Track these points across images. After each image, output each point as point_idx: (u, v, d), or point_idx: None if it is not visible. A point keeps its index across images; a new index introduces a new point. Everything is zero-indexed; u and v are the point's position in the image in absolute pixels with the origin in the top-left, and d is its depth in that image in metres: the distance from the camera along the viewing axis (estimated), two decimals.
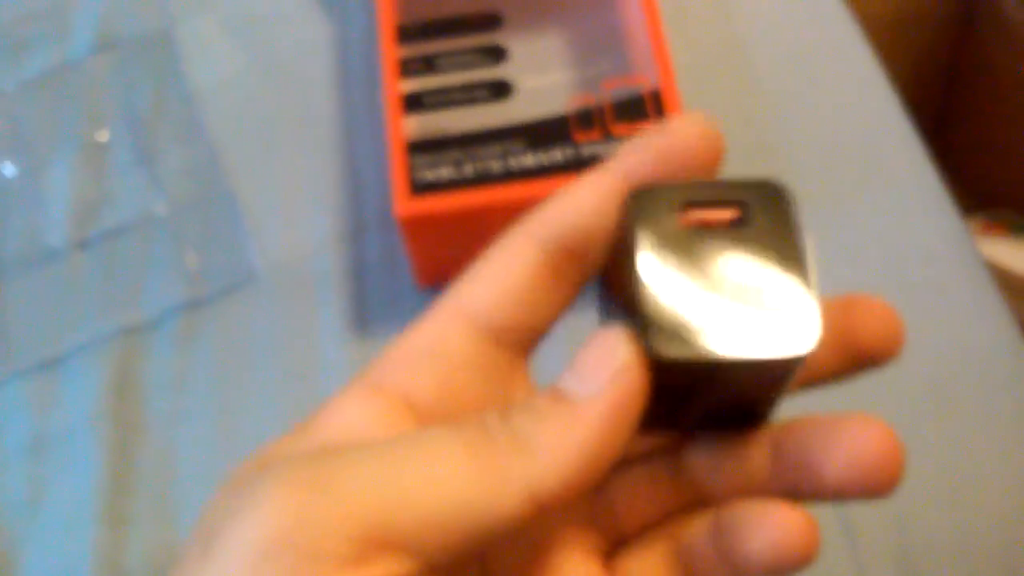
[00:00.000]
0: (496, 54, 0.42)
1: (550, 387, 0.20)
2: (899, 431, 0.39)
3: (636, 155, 0.22)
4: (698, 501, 0.24)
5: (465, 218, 0.39)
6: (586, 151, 0.39)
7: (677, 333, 0.20)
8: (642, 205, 0.21)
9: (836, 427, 0.22)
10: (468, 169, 0.39)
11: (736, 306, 0.20)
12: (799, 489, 0.22)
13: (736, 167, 0.46)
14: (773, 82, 0.46)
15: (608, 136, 0.40)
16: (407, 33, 0.43)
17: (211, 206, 0.45)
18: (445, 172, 0.39)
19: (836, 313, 0.23)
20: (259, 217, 0.45)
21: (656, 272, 0.21)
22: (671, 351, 0.20)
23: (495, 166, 0.39)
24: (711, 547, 0.22)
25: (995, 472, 0.38)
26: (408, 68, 0.42)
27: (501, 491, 0.19)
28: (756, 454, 0.23)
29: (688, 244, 0.21)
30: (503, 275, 0.23)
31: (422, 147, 0.40)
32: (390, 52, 0.42)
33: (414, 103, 0.41)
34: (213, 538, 0.18)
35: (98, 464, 0.40)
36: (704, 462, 0.24)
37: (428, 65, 0.42)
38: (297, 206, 0.45)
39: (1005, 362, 0.40)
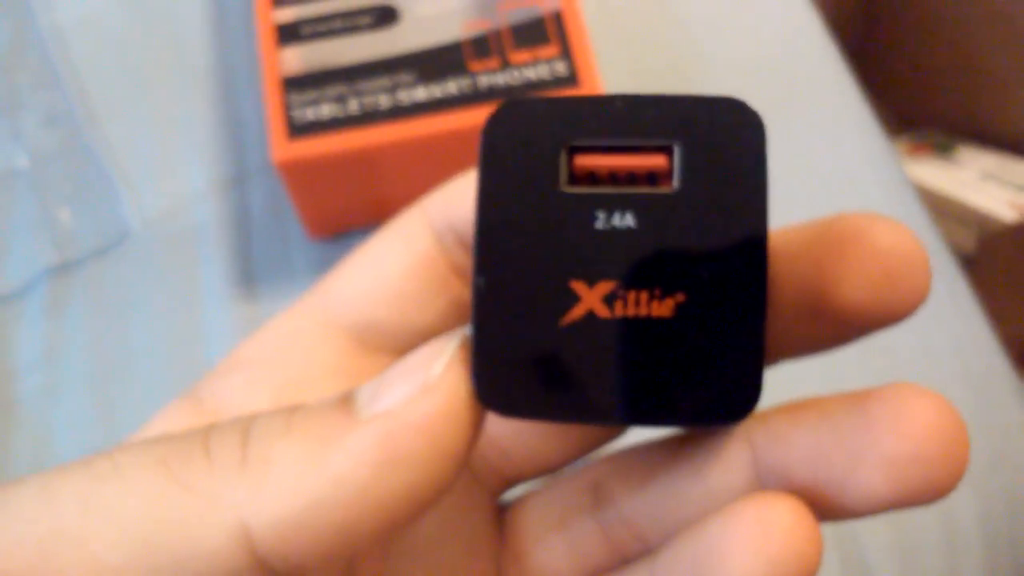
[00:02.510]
0: None
1: (343, 392, 0.14)
2: (823, 366, 0.36)
3: None
4: (640, 554, 0.17)
5: (352, 161, 0.34)
6: (483, 82, 0.35)
7: (520, 371, 0.13)
8: (506, 131, 0.14)
9: (861, 415, 0.14)
10: (353, 106, 0.34)
11: (626, 333, 0.13)
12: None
13: (648, 92, 0.42)
14: (687, 1, 0.42)
15: (506, 65, 0.35)
16: None
17: (77, 158, 0.40)
18: (327, 110, 0.34)
19: (803, 253, 0.15)
20: (132, 168, 0.40)
21: (507, 266, 0.14)
22: (499, 400, 0.14)
23: (383, 101, 0.34)
24: None
25: None
26: None
27: (198, 517, 0.13)
28: (728, 471, 0.15)
29: (569, 219, 0.14)
30: (382, 259, 0.18)
31: (301, 83, 0.35)
32: None
33: (291, 34, 0.36)
34: None
35: None
36: (638, 495, 0.17)
37: None
38: (173, 154, 0.40)
39: (937, 289, 0.37)
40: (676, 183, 0.14)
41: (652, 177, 0.14)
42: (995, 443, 0.35)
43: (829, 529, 0.34)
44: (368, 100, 0.34)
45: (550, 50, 0.35)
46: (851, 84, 0.41)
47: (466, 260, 0.17)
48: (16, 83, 0.41)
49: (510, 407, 0.14)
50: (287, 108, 0.34)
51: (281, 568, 0.14)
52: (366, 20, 0.36)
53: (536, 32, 0.35)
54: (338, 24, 0.36)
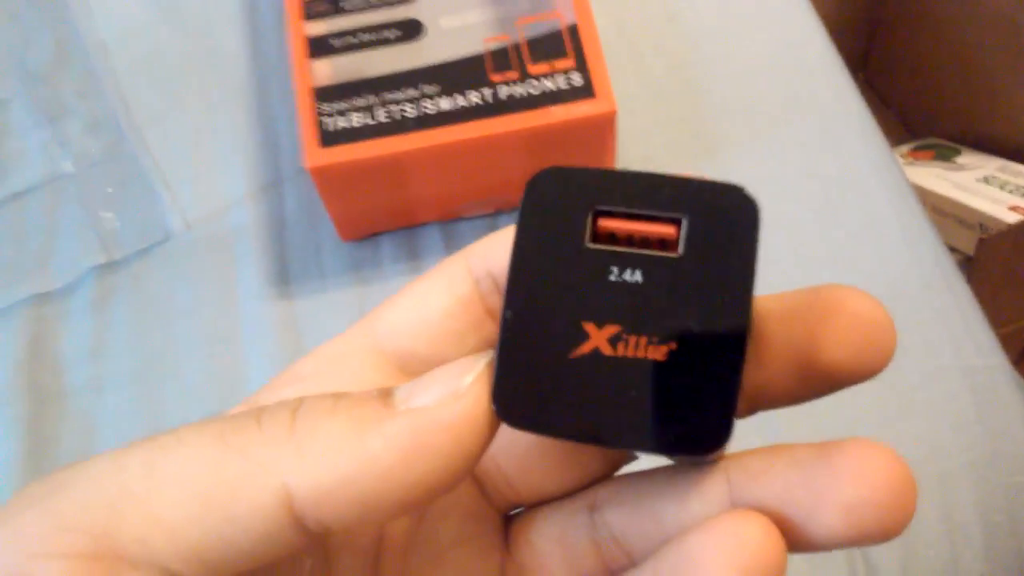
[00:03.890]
0: None
1: (384, 387, 0.16)
2: None
3: None
4: (627, 567, 0.18)
5: (380, 167, 0.35)
6: (503, 92, 0.36)
7: (532, 392, 0.15)
8: (544, 192, 0.16)
9: (824, 464, 0.15)
10: (381, 115, 0.35)
11: (624, 370, 0.15)
12: None
13: (659, 103, 0.42)
14: (694, 14, 0.43)
15: (526, 76, 0.36)
16: None
17: (121, 163, 0.41)
18: (356, 119, 0.35)
19: (792, 318, 0.17)
20: (172, 172, 0.41)
21: (532, 303, 0.16)
22: (512, 414, 0.15)
23: (409, 111, 0.35)
24: None
25: (927, 405, 0.36)
26: (312, 10, 0.37)
27: (249, 479, 0.15)
28: (706, 499, 0.17)
29: (588, 270, 0.16)
30: (425, 299, 0.19)
31: (331, 93, 0.36)
32: None
33: (321, 47, 0.37)
34: None
35: (13, 437, 0.37)
36: (630, 513, 0.18)
37: (334, 6, 0.38)
38: (211, 160, 0.41)
39: (940, 294, 0.38)
40: (681, 250, 0.16)
41: (662, 243, 0.16)
42: (994, 437, 0.36)
43: None
44: (395, 110, 0.35)
45: (566, 62, 0.36)
46: (854, 92, 0.42)
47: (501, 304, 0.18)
48: (61, 92, 0.42)
49: (520, 421, 0.16)
50: (319, 117, 0.35)
51: (314, 529, 0.15)
52: (393, 34, 0.37)
53: (553, 45, 0.36)
54: (366, 37, 0.37)
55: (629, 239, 0.16)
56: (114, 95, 0.42)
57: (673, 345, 0.15)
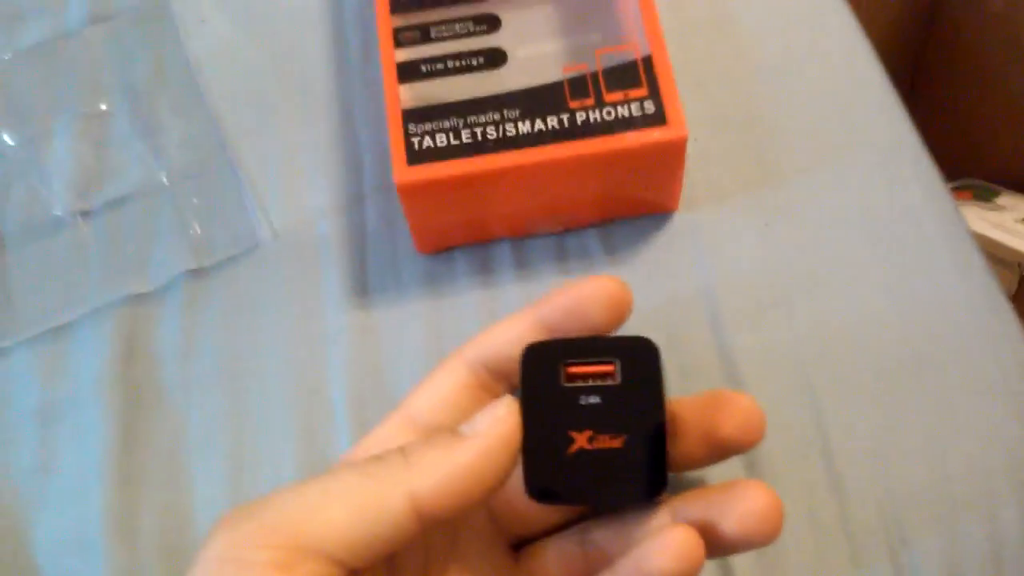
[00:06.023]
0: (489, 22, 0.40)
1: (453, 427, 0.26)
2: (886, 392, 0.38)
3: (549, 304, 0.29)
4: (606, 565, 0.27)
5: (463, 185, 0.37)
6: (580, 118, 0.38)
7: (547, 480, 0.26)
8: (532, 358, 0.27)
9: (728, 495, 0.26)
10: (465, 136, 0.37)
11: (600, 457, 0.26)
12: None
13: (723, 132, 0.44)
14: (758, 48, 0.45)
15: (602, 103, 0.38)
16: (400, 2, 0.41)
17: (213, 176, 0.43)
18: (442, 140, 0.37)
19: (700, 411, 0.28)
20: (261, 186, 0.43)
21: (538, 424, 0.26)
22: (539, 494, 0.27)
23: (491, 133, 0.37)
24: None
25: (975, 428, 0.37)
26: (402, 38, 0.40)
27: (385, 493, 0.24)
28: (657, 520, 0.27)
29: (567, 397, 0.26)
30: (438, 386, 0.29)
31: (418, 115, 0.38)
32: (385, 22, 0.40)
33: (410, 72, 0.39)
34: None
35: (108, 429, 0.39)
36: (609, 532, 0.28)
37: (423, 34, 0.40)
38: (297, 175, 0.43)
39: (988, 321, 0.39)
40: (618, 380, 0.27)
41: (606, 376, 0.27)
42: None
43: (883, 540, 0.35)
44: (478, 132, 0.37)
45: (640, 91, 0.38)
46: (908, 126, 0.44)
47: (491, 380, 0.30)
48: (158, 108, 0.45)
49: (544, 499, 0.27)
50: (407, 137, 0.37)
51: (429, 520, 0.24)
52: (477, 61, 0.39)
53: (628, 75, 0.38)
54: (453, 64, 0.39)
55: (586, 377, 0.27)
56: (207, 111, 0.44)
57: (624, 437, 0.26)
